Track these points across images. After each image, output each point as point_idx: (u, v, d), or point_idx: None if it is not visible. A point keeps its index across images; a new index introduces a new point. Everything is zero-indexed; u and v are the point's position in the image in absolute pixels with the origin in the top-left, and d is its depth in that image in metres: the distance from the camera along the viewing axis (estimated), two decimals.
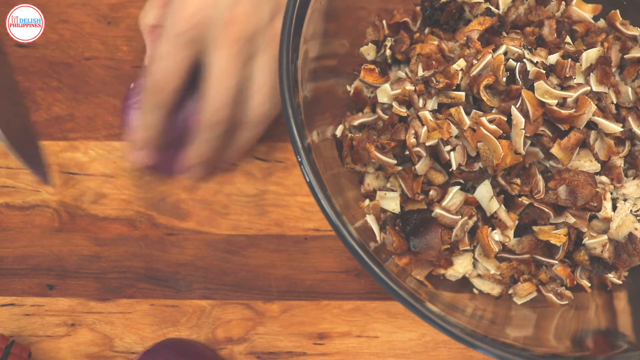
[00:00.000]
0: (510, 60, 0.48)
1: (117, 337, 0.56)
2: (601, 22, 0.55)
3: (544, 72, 0.47)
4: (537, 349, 0.45)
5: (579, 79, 0.48)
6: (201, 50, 0.51)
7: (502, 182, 0.49)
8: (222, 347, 0.56)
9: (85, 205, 0.59)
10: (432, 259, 0.50)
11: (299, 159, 0.44)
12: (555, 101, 0.46)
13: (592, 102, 0.46)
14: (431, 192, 0.50)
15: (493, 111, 0.48)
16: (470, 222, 0.50)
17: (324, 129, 0.52)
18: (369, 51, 0.56)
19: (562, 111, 0.46)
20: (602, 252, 0.50)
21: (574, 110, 0.46)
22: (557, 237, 0.49)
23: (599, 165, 0.49)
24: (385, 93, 0.52)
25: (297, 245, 0.58)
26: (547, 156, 0.48)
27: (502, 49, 0.48)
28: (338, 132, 0.55)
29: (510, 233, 0.50)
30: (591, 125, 0.48)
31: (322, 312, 0.57)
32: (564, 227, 0.49)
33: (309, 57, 0.49)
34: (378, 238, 0.51)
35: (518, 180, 0.49)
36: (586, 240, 0.49)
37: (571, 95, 0.46)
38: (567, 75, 0.47)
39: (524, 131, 0.46)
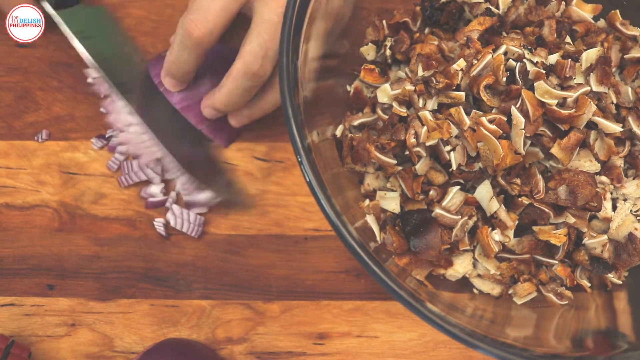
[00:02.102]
0: (510, 60, 0.48)
1: (117, 337, 0.56)
2: (601, 22, 0.55)
3: (544, 72, 0.47)
4: (537, 349, 0.45)
5: (579, 79, 0.48)
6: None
7: (502, 182, 0.49)
8: (222, 347, 0.56)
9: (85, 205, 0.59)
10: (432, 259, 0.50)
11: (299, 159, 0.44)
12: (555, 101, 0.46)
13: (592, 102, 0.46)
14: (431, 192, 0.50)
15: (493, 111, 0.48)
16: (470, 222, 0.50)
17: (324, 129, 0.52)
18: (369, 51, 0.56)
19: (562, 111, 0.46)
20: (602, 252, 0.50)
21: (574, 110, 0.46)
22: (557, 237, 0.49)
23: (599, 165, 0.49)
24: (385, 93, 0.52)
25: (297, 245, 0.58)
26: (547, 156, 0.48)
27: (502, 49, 0.48)
28: (338, 132, 0.55)
29: (510, 233, 0.50)
30: (591, 125, 0.48)
31: (322, 312, 0.57)
32: (564, 227, 0.49)
33: (309, 57, 0.49)
34: (378, 238, 0.51)
35: (518, 180, 0.49)
36: (586, 240, 0.49)
37: (571, 95, 0.46)
38: (567, 75, 0.47)
39: (524, 131, 0.46)
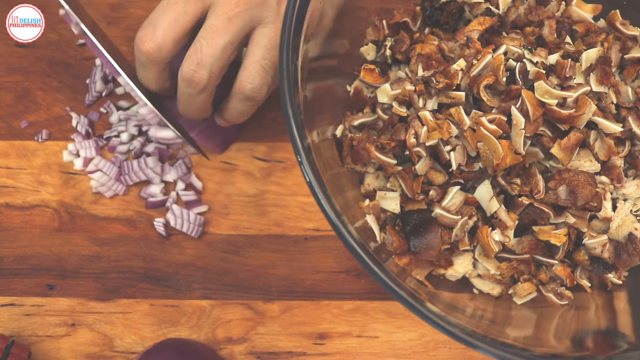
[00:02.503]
0: (510, 60, 0.48)
1: (117, 337, 0.56)
2: (601, 22, 0.55)
3: (544, 72, 0.47)
4: (537, 349, 0.45)
5: (579, 79, 0.48)
6: (207, 11, 0.51)
7: (502, 182, 0.49)
8: (222, 347, 0.56)
9: (85, 205, 0.59)
10: (432, 259, 0.50)
11: (299, 159, 0.44)
12: (555, 101, 0.46)
13: (592, 102, 0.46)
14: (431, 192, 0.50)
15: (493, 111, 0.48)
16: (470, 222, 0.50)
17: (324, 129, 0.52)
18: (369, 51, 0.56)
19: (562, 111, 0.46)
20: (602, 252, 0.50)
21: (574, 110, 0.46)
22: (557, 237, 0.49)
23: (599, 165, 0.49)
24: (385, 93, 0.52)
25: (297, 245, 0.58)
26: (547, 156, 0.48)
27: (502, 49, 0.48)
28: (338, 132, 0.55)
29: (510, 233, 0.50)
30: (591, 125, 0.48)
31: (322, 312, 0.57)
32: (564, 227, 0.49)
33: (309, 57, 0.49)
34: (378, 238, 0.51)
35: (518, 180, 0.49)
36: (586, 240, 0.49)
37: (571, 95, 0.46)
38: (567, 75, 0.47)
39: (524, 131, 0.46)
